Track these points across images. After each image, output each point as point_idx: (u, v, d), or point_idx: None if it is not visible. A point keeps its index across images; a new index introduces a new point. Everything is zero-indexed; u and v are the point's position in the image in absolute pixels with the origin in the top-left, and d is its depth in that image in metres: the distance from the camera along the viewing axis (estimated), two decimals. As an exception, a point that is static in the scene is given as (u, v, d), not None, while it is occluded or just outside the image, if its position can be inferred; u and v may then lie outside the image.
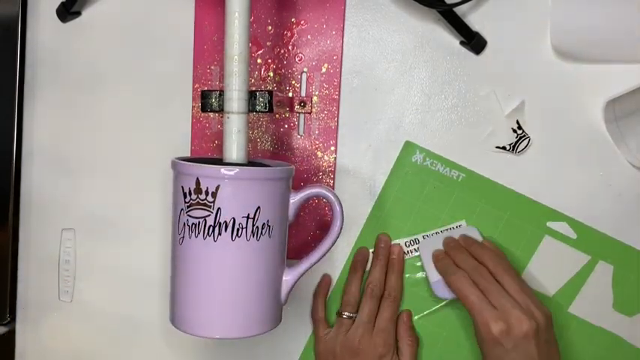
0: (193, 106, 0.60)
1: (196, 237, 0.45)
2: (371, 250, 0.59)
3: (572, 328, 0.58)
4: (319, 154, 0.59)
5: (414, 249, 0.58)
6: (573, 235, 0.57)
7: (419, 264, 0.58)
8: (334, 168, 0.59)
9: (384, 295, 0.56)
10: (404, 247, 0.58)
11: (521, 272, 0.57)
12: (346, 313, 0.56)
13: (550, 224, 0.57)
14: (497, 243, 0.57)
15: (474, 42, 0.56)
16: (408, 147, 0.58)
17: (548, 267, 0.57)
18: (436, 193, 0.58)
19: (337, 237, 0.50)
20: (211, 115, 0.59)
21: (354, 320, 0.56)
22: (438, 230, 0.58)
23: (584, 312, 0.58)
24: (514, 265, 0.55)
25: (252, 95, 0.48)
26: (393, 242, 0.58)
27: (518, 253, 0.57)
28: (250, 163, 0.48)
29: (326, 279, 0.60)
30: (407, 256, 0.58)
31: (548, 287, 0.57)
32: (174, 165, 0.47)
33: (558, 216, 0.57)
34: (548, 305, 0.54)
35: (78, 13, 0.61)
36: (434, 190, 0.58)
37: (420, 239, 0.58)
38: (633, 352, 0.57)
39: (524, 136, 0.57)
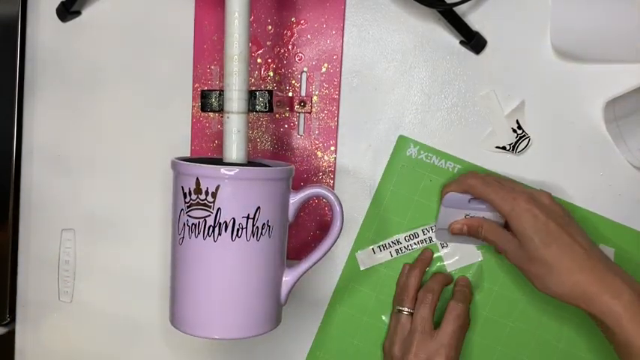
0: (193, 106, 0.60)
1: (196, 237, 0.45)
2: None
3: (576, 313, 0.57)
4: (319, 154, 0.59)
5: (415, 243, 0.58)
6: None
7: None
8: (334, 168, 0.59)
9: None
10: (404, 241, 0.58)
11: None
12: (406, 309, 0.56)
13: None
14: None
15: (474, 42, 0.56)
16: (402, 141, 0.58)
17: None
18: (432, 186, 0.58)
19: (337, 237, 0.50)
20: (211, 115, 0.59)
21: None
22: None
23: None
24: None
25: (252, 95, 0.48)
26: (396, 237, 0.59)
27: None
28: (250, 163, 0.48)
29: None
30: (408, 251, 0.58)
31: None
32: (174, 165, 0.47)
33: (557, 201, 0.57)
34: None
35: (78, 13, 0.61)
36: (430, 183, 0.58)
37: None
38: None
39: (524, 136, 0.57)
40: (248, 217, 0.45)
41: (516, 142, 0.57)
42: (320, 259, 0.50)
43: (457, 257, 0.58)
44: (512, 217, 0.50)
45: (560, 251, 0.48)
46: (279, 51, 0.58)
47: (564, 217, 0.51)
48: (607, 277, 0.47)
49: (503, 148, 0.57)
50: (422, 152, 0.58)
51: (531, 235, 0.49)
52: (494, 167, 0.57)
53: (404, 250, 0.58)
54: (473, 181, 0.53)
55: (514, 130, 0.57)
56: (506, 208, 0.50)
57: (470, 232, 0.55)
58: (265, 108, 0.49)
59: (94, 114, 0.62)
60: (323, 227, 0.59)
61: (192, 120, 0.60)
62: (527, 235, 0.49)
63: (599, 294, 0.47)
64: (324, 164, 0.59)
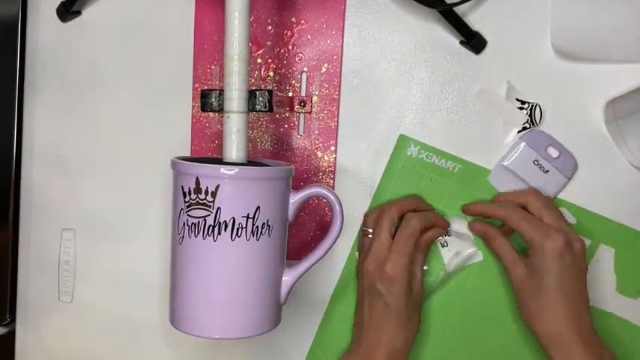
0: (193, 106, 0.60)
1: (196, 237, 0.45)
2: None
3: None
4: (319, 154, 0.59)
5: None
6: (572, 220, 0.57)
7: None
8: (334, 168, 0.59)
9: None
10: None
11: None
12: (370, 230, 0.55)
13: None
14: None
15: (474, 42, 0.56)
16: (403, 141, 0.58)
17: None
18: (433, 186, 0.58)
19: (337, 237, 0.50)
20: (211, 114, 0.59)
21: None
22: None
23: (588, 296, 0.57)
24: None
25: (252, 95, 0.48)
26: None
27: (518, 240, 0.57)
28: (250, 163, 0.48)
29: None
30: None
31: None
32: (174, 164, 0.47)
33: (556, 202, 0.57)
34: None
35: (78, 13, 0.61)
36: (431, 182, 0.58)
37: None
38: (639, 333, 0.57)
39: (533, 105, 0.56)
40: (248, 217, 0.45)
41: (531, 115, 0.56)
42: (320, 259, 0.50)
43: (457, 257, 0.58)
44: (539, 251, 0.50)
45: (563, 300, 0.50)
46: (279, 51, 0.58)
47: (583, 270, 0.52)
48: (592, 341, 0.50)
49: (524, 128, 0.56)
50: (422, 152, 0.58)
51: (549, 276, 0.50)
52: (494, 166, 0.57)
53: None
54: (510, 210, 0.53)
55: (521, 108, 0.56)
56: (537, 239, 0.50)
57: (484, 238, 0.56)
58: (265, 108, 0.49)
59: (94, 114, 0.62)
60: (323, 227, 0.59)
61: (192, 120, 0.60)
62: (544, 273, 0.50)
63: (579, 352, 0.49)
64: (324, 164, 0.59)
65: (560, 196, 0.57)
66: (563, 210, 0.57)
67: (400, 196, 0.58)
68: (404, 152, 0.58)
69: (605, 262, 0.57)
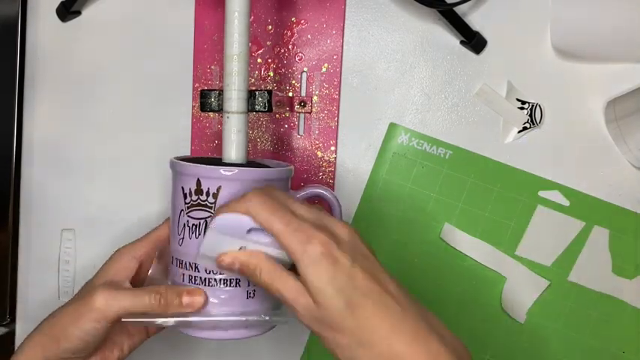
0: (193, 106, 0.60)
1: (196, 238, 0.45)
2: None
3: (573, 296, 0.57)
4: (319, 153, 0.59)
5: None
6: (566, 203, 0.57)
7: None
8: (334, 168, 0.59)
9: None
10: None
11: (518, 244, 0.57)
12: None
13: (542, 193, 0.57)
14: (491, 216, 0.57)
15: (474, 42, 0.56)
16: (393, 129, 0.58)
17: (544, 236, 0.57)
18: (425, 173, 0.58)
19: (337, 237, 0.50)
20: (211, 114, 0.59)
21: None
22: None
23: (584, 279, 0.57)
24: (510, 238, 0.57)
25: (251, 95, 0.48)
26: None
27: (512, 224, 0.57)
28: (249, 163, 0.48)
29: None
30: None
31: (546, 257, 0.57)
32: (173, 165, 0.47)
33: (549, 184, 0.57)
34: (547, 275, 0.57)
35: (78, 13, 0.61)
36: (422, 169, 0.58)
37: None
38: (636, 314, 0.57)
39: (533, 105, 0.56)
40: (248, 218, 0.45)
41: (531, 116, 0.56)
42: (320, 259, 0.50)
43: None
44: (304, 264, 0.36)
45: (373, 314, 0.36)
46: (279, 51, 0.58)
47: (373, 261, 0.38)
48: (432, 346, 0.36)
49: (525, 128, 0.56)
50: (413, 139, 0.58)
51: (331, 294, 0.36)
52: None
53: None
54: (254, 204, 0.38)
55: (521, 108, 0.56)
56: (296, 249, 0.36)
57: (243, 272, 0.40)
58: (265, 108, 0.49)
59: (93, 114, 0.62)
60: (323, 227, 0.59)
61: (192, 120, 0.60)
62: (324, 292, 0.36)
63: None
64: (324, 164, 0.59)
65: (554, 178, 0.57)
66: (556, 193, 0.57)
67: (392, 185, 0.58)
68: (394, 140, 0.58)
69: (599, 244, 0.57)
